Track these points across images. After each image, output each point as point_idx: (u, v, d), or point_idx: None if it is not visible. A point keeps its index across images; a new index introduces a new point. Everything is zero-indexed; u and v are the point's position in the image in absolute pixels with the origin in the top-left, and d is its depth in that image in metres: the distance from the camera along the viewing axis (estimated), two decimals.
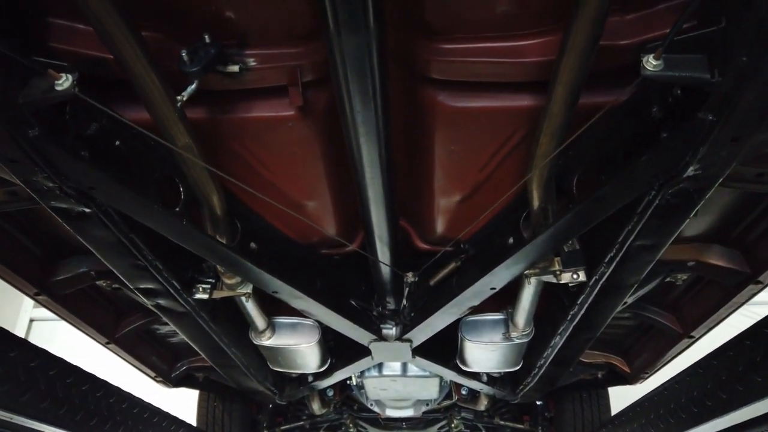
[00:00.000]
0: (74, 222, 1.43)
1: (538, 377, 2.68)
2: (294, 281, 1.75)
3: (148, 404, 2.49)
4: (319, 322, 2.39)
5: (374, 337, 2.21)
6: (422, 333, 2.17)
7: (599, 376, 3.11)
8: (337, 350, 2.73)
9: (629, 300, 2.15)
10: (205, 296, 1.82)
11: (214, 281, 1.87)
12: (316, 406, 3.30)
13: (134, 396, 2.39)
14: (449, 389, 3.50)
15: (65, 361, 1.98)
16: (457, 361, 2.65)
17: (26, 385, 1.72)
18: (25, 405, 1.71)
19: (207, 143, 1.45)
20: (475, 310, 2.36)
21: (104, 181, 1.31)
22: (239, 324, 2.37)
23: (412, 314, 2.16)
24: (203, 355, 2.37)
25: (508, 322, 2.26)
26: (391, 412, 3.54)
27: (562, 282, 1.69)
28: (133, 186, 1.36)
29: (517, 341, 2.29)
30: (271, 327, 2.38)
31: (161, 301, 1.85)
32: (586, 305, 1.89)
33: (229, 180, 1.46)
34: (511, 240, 1.72)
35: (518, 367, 2.66)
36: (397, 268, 1.94)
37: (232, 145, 1.56)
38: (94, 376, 2.14)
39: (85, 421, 2.02)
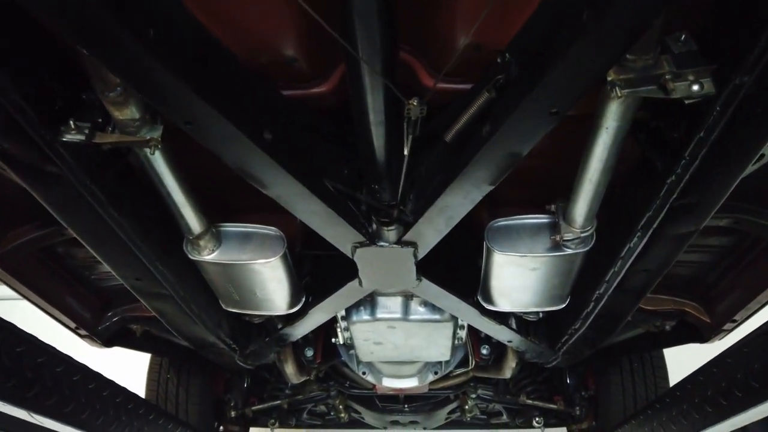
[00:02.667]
0: None
1: (590, 320, 2.04)
2: (228, 110, 1.11)
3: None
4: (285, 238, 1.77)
5: (361, 239, 1.58)
6: (432, 229, 1.54)
7: (666, 328, 2.46)
8: (315, 287, 2.10)
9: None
10: (80, 137, 1.18)
11: (98, 120, 1.23)
12: (291, 371, 2.67)
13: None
14: (465, 353, 2.86)
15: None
16: (479, 297, 2.02)
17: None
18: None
19: None
20: (510, 212, 1.75)
21: None
22: (168, 231, 1.74)
23: (417, 199, 1.52)
24: (110, 268, 1.73)
25: (558, 224, 1.62)
26: (389, 383, 2.91)
27: (675, 96, 1.05)
28: None
29: (571, 250, 1.65)
30: (214, 236, 1.75)
31: (13, 149, 1.21)
32: (698, 162, 1.25)
33: None
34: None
35: (564, 304, 2.02)
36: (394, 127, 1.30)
37: None
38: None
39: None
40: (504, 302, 2.00)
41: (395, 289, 1.90)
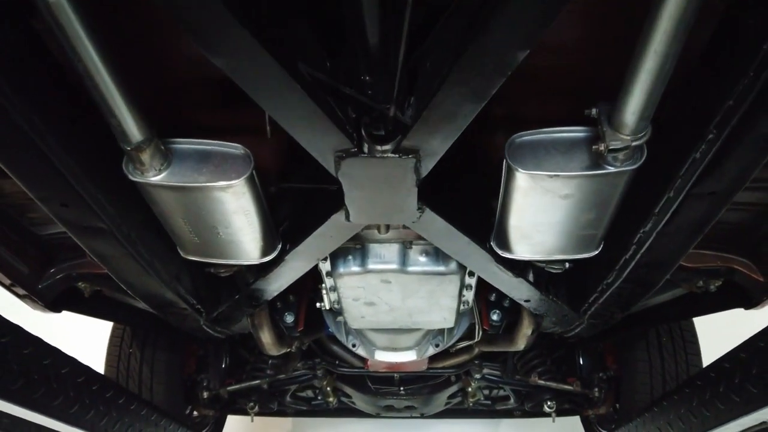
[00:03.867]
0: None
1: (628, 271, 1.72)
2: None
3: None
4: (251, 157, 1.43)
5: (347, 144, 1.24)
6: (438, 133, 1.21)
7: (711, 288, 2.14)
8: (294, 235, 1.77)
9: None
10: None
11: None
12: (268, 341, 2.34)
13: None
14: (470, 323, 2.54)
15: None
16: (493, 243, 1.69)
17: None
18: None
19: None
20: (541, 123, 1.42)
21: None
22: (104, 144, 1.40)
23: (420, 98, 1.19)
24: (22, 185, 1.39)
25: (601, 131, 1.29)
26: (383, 356, 2.59)
27: None
28: None
29: (616, 167, 1.33)
30: (162, 153, 1.41)
31: None
32: None
33: None
34: None
35: (597, 251, 1.70)
36: None
37: None
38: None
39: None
40: (524, 247, 1.67)
41: (391, 221, 1.56)
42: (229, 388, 3.25)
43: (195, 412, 3.53)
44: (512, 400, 3.47)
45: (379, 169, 1.28)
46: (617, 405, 3.27)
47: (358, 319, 2.20)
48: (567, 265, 1.81)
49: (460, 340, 2.69)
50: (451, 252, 1.69)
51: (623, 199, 1.47)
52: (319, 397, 3.73)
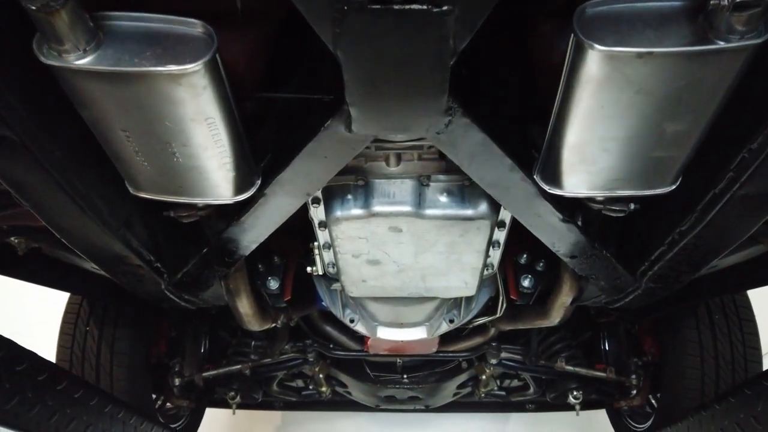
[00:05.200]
0: None
1: (714, 214, 1.35)
2: None
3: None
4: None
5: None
6: None
7: None
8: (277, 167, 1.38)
9: None
10: None
11: None
12: (247, 311, 1.95)
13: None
14: (490, 295, 2.17)
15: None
16: (538, 176, 1.32)
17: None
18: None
19: None
20: None
21: None
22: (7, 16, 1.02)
23: None
24: None
25: None
26: (387, 334, 2.21)
27: None
28: None
29: (732, 42, 0.95)
30: (86, 25, 1.02)
31: None
32: None
33: None
34: None
35: (673, 186, 1.32)
36: None
37: None
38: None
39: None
40: (580, 178, 1.29)
41: (409, 129, 1.17)
42: (204, 374, 2.86)
43: (168, 404, 3.16)
44: (532, 390, 3.10)
45: (397, 31, 0.89)
46: (655, 396, 2.91)
47: (359, 284, 1.82)
48: (632, 206, 1.43)
49: (478, 316, 2.32)
50: (484, 182, 1.30)
51: (727, 100, 1.09)
52: (311, 387, 3.35)
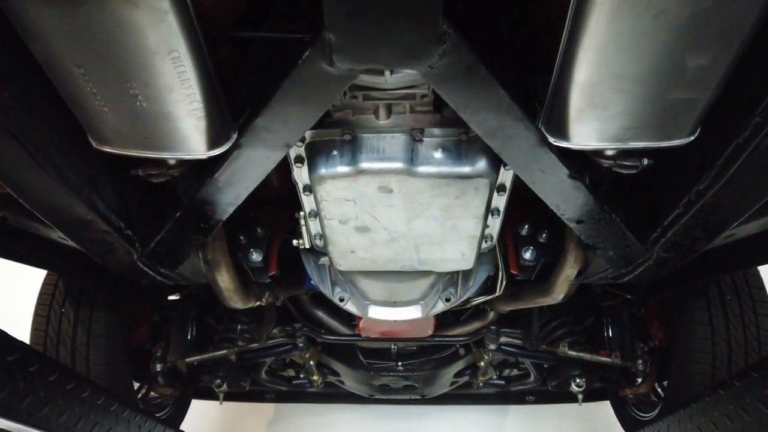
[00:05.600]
0: None
1: (735, 169, 1.23)
2: None
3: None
4: None
5: None
6: None
7: None
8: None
9: None
10: None
11: None
12: (227, 286, 1.83)
13: None
14: (489, 272, 2.05)
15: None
16: (542, 127, 1.20)
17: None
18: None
19: None
20: None
21: None
22: None
23: None
24: None
25: None
26: (379, 313, 2.08)
27: None
28: None
29: None
30: None
31: None
32: None
33: None
34: None
35: (692, 136, 1.21)
36: None
37: None
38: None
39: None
40: (589, 127, 1.17)
41: (398, 61, 1.04)
42: (188, 360, 2.74)
43: (152, 392, 3.04)
44: (532, 378, 2.98)
45: None
46: (661, 384, 2.80)
47: (347, 255, 1.70)
48: (645, 161, 1.30)
49: (477, 295, 2.20)
50: (482, 128, 1.18)
51: (756, 29, 0.97)
52: (302, 376, 3.23)
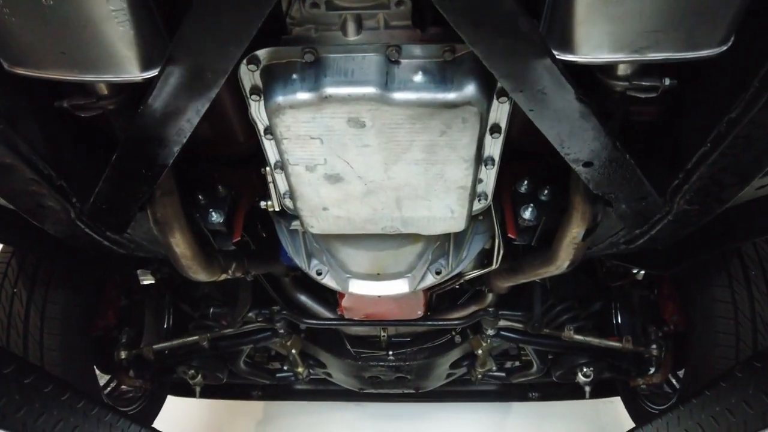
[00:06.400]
0: None
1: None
2: None
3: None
4: None
5: None
6: None
7: None
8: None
9: None
10: None
11: None
12: (184, 252, 1.62)
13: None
14: (488, 242, 1.85)
15: None
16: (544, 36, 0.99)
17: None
18: None
19: None
20: None
21: None
22: None
23: None
24: None
25: None
26: (361, 288, 1.87)
27: None
28: None
29: None
30: None
31: None
32: None
33: None
34: None
35: (724, 47, 1.00)
36: None
37: None
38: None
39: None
40: (600, 30, 0.97)
41: None
42: (155, 347, 2.53)
43: (122, 386, 2.83)
44: (535, 368, 2.76)
45: None
46: (676, 373, 2.58)
47: (319, 214, 1.49)
48: (666, 81, 1.09)
49: (471, 270, 2.00)
50: (473, 38, 0.97)
51: None
52: (285, 368, 3.02)
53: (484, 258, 2.06)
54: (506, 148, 1.37)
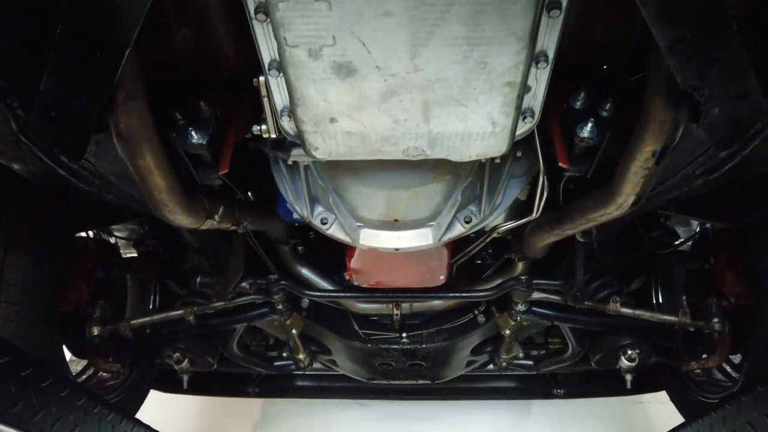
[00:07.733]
0: None
1: None
2: None
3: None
4: None
5: None
6: None
7: None
8: None
9: None
10: None
11: None
12: (158, 183, 1.33)
13: None
14: (525, 189, 1.57)
15: None
16: None
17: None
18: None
19: None
20: None
21: None
22: None
23: None
24: None
25: None
26: (373, 239, 1.57)
27: None
28: None
29: None
30: None
31: None
32: None
33: None
34: None
35: None
36: None
37: None
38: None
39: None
40: None
41: None
42: (134, 322, 2.23)
43: (101, 372, 2.54)
44: (570, 352, 2.46)
45: None
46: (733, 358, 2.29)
47: (326, 127, 1.20)
48: None
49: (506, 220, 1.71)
50: None
51: None
52: (284, 355, 2.72)
53: (518, 212, 1.78)
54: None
